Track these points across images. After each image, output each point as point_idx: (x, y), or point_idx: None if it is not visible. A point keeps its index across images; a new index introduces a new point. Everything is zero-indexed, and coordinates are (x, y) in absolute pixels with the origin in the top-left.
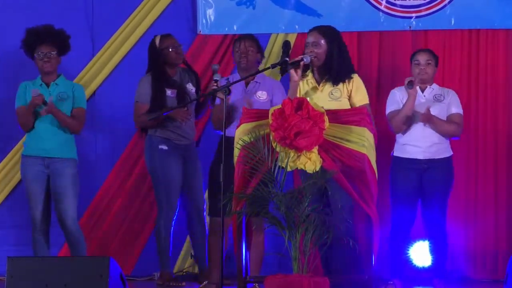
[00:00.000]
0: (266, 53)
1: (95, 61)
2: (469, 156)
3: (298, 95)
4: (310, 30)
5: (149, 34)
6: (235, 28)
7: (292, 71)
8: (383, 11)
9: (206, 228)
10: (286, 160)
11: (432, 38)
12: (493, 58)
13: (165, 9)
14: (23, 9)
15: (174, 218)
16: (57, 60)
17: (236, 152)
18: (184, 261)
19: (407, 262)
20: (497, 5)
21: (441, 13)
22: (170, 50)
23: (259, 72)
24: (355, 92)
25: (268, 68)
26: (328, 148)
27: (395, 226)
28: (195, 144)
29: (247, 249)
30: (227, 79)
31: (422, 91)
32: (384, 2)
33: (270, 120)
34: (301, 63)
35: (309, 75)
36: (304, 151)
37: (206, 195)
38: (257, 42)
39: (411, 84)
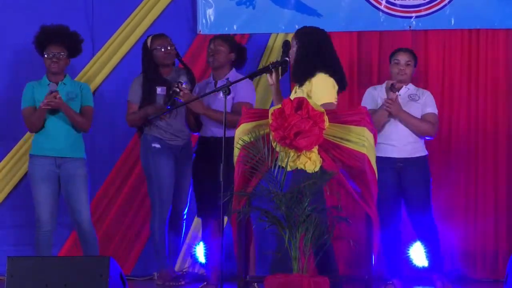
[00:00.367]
0: (266, 53)
1: (95, 61)
2: (469, 156)
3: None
4: None
5: (149, 34)
6: (235, 28)
7: (267, 76)
8: (383, 11)
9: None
10: (286, 160)
11: (432, 38)
12: (493, 58)
13: (165, 9)
14: (23, 9)
15: (168, 216)
16: (66, 62)
17: (236, 152)
18: (184, 261)
19: (406, 262)
20: (497, 5)
21: (441, 13)
22: (160, 50)
23: (258, 72)
24: (313, 92)
25: (268, 68)
26: (328, 148)
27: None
28: (191, 143)
29: (247, 249)
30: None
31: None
32: (384, 2)
33: (270, 120)
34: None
35: None
36: (304, 151)
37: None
38: (230, 42)
39: (394, 88)
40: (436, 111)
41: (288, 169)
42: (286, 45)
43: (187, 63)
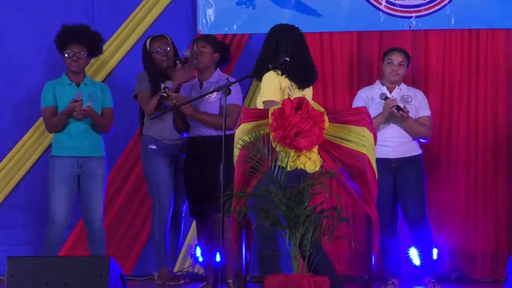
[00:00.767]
0: None
1: (94, 61)
2: (469, 155)
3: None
4: None
5: (149, 34)
6: (235, 28)
7: None
8: (383, 11)
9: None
10: (286, 160)
11: (432, 38)
12: (493, 58)
13: (165, 9)
14: (23, 9)
15: (168, 216)
16: (86, 61)
17: (236, 152)
18: (184, 261)
19: (406, 262)
20: (497, 5)
21: (441, 13)
22: (157, 54)
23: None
24: (260, 90)
25: (268, 68)
26: (328, 148)
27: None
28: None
29: (247, 249)
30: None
31: (390, 91)
32: (384, 2)
33: (270, 120)
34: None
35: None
36: (304, 150)
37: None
38: (213, 42)
39: (385, 97)
40: (430, 113)
41: (288, 169)
42: (286, 45)
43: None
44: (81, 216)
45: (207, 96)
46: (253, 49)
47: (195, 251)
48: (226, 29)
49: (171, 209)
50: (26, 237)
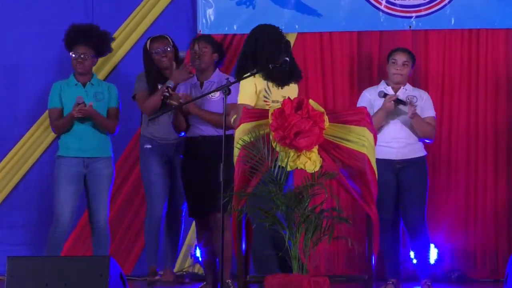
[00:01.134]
0: None
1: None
2: (469, 155)
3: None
4: None
5: (149, 34)
6: (235, 28)
7: None
8: (383, 11)
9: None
10: (286, 160)
11: (432, 38)
12: (493, 58)
13: (165, 9)
14: (23, 9)
15: (160, 216)
16: (92, 62)
17: (236, 152)
18: (184, 261)
19: (406, 262)
20: (497, 5)
21: (441, 13)
22: (156, 54)
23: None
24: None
25: (268, 68)
26: (328, 148)
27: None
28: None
29: (247, 248)
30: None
31: (395, 91)
32: (384, 2)
33: (270, 120)
34: None
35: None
36: (304, 150)
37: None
38: (213, 43)
39: (384, 94)
40: (434, 114)
41: (288, 169)
42: (286, 45)
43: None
44: (82, 216)
45: (210, 95)
46: None
47: (195, 251)
48: (226, 29)
49: (165, 209)
50: (26, 237)
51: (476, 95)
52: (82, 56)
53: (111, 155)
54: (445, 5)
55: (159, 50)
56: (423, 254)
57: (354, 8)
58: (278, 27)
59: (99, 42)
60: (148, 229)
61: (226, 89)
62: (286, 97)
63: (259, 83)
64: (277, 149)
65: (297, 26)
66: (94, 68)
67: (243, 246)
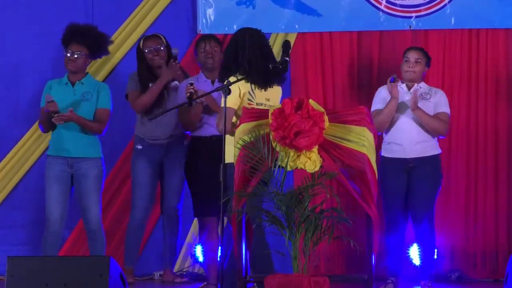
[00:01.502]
0: None
1: (94, 61)
2: (469, 155)
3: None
4: None
5: (148, 34)
6: (235, 28)
7: None
8: (383, 11)
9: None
10: (286, 160)
11: (432, 38)
12: (493, 58)
13: (165, 9)
14: (23, 9)
15: (143, 217)
16: (85, 61)
17: (236, 152)
18: (184, 261)
19: (406, 262)
20: (497, 5)
21: (441, 13)
22: (148, 53)
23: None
24: None
25: (268, 68)
26: (328, 148)
27: (388, 228)
28: (178, 141)
29: (247, 248)
30: (196, 78)
31: (409, 88)
32: (384, 2)
33: (270, 120)
34: None
35: None
36: (304, 150)
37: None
38: (220, 43)
39: (394, 79)
40: (448, 111)
41: (288, 169)
42: (286, 45)
43: (184, 64)
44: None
45: (211, 94)
46: None
47: (195, 250)
48: (226, 29)
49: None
50: (26, 237)
51: (476, 95)
52: (75, 54)
53: (101, 156)
54: (445, 5)
55: (151, 49)
56: (427, 252)
57: (354, 8)
58: (260, 30)
59: (94, 43)
60: (128, 229)
61: (226, 89)
62: (269, 100)
63: (243, 86)
64: (277, 149)
65: (297, 26)
66: (93, 69)
67: (243, 246)
